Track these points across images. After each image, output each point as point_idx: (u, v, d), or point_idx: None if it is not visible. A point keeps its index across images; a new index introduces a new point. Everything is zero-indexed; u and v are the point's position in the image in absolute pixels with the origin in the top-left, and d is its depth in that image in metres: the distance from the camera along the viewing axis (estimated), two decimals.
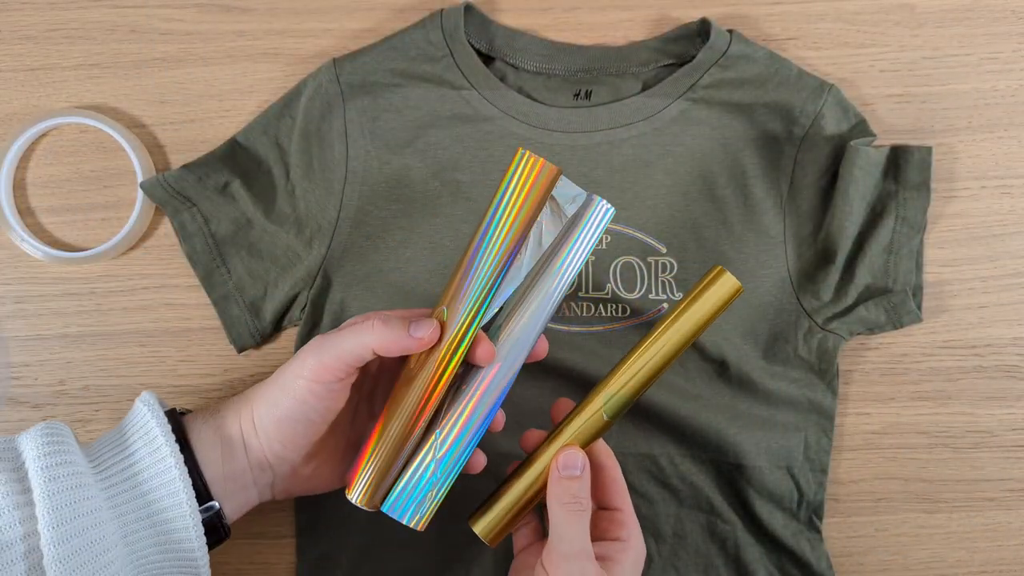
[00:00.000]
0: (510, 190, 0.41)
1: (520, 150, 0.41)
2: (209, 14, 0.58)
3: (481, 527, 0.44)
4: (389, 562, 0.53)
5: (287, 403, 0.43)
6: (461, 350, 0.42)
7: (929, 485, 0.56)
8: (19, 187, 0.57)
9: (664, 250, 0.54)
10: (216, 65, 0.57)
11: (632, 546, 0.43)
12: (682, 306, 0.42)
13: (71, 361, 0.56)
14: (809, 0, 0.58)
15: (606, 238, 0.54)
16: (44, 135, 0.57)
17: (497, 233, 0.41)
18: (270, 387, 0.44)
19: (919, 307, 0.54)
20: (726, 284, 0.42)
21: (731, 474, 0.53)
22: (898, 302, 0.53)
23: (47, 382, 0.56)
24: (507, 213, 0.41)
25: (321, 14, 0.58)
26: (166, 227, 0.57)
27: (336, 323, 0.53)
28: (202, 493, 0.42)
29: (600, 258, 0.54)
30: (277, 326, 0.55)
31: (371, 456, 0.42)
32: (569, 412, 0.44)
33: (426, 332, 0.41)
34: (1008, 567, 0.56)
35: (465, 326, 0.42)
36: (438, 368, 0.42)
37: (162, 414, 0.43)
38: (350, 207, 0.54)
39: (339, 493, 0.48)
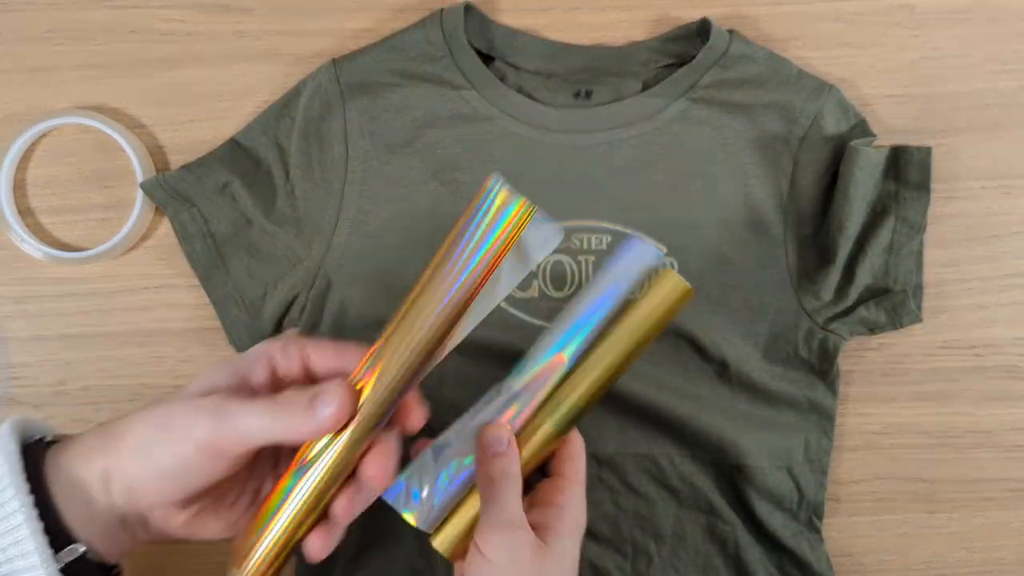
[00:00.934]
0: (479, 231, 0.36)
1: (493, 179, 0.37)
2: (209, 14, 0.58)
3: (439, 541, 0.42)
4: (388, 560, 0.53)
5: (167, 460, 0.36)
6: (380, 424, 0.37)
7: (930, 485, 0.56)
8: (19, 187, 0.57)
9: (664, 250, 0.54)
10: (216, 65, 0.57)
11: (569, 512, 0.41)
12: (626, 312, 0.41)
13: (71, 361, 0.56)
14: (809, 1, 0.58)
15: (606, 238, 0.54)
16: (44, 135, 0.57)
17: (457, 282, 0.36)
18: (144, 433, 0.36)
19: (919, 307, 0.54)
20: (675, 287, 0.40)
21: (731, 474, 0.53)
22: (898, 302, 0.53)
23: (47, 382, 0.56)
24: (470, 261, 0.36)
25: (321, 14, 0.58)
26: (166, 227, 0.57)
27: (336, 324, 0.53)
28: (60, 536, 0.35)
29: (600, 259, 0.54)
30: (277, 327, 0.55)
31: (265, 544, 0.37)
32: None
33: (332, 410, 0.35)
34: (1008, 567, 0.56)
35: (389, 397, 0.36)
36: (350, 443, 0.36)
37: (13, 448, 0.36)
38: (350, 207, 0.54)
39: None
